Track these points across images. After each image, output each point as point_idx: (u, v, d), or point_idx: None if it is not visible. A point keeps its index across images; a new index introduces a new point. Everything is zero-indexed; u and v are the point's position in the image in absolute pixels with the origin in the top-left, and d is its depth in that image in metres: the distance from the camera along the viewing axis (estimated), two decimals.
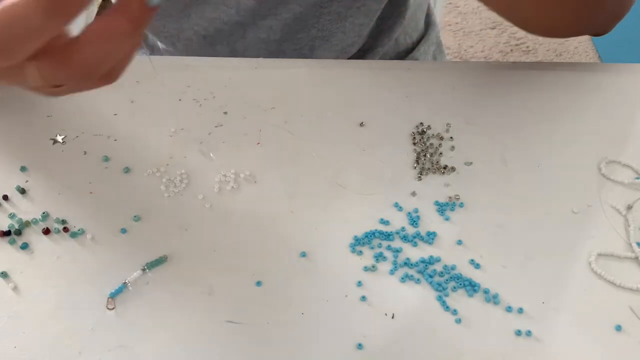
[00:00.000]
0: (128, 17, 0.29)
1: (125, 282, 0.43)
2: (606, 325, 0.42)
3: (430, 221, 0.47)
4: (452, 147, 0.52)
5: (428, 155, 0.51)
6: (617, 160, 0.51)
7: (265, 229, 0.46)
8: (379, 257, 0.45)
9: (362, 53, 0.69)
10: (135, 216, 0.47)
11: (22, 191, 0.48)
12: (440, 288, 0.44)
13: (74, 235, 0.46)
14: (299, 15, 0.61)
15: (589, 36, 1.93)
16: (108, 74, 0.33)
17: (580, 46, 1.80)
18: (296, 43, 0.64)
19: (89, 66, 0.30)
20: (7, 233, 0.46)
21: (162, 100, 0.54)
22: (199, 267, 0.44)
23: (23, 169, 0.49)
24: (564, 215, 0.48)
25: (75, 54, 0.30)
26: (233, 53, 0.65)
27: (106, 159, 0.50)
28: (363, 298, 0.43)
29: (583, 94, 0.55)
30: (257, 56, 0.65)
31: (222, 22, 0.62)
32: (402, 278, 0.44)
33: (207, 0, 0.61)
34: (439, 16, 0.92)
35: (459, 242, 0.46)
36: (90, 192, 0.48)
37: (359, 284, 0.44)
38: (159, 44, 0.69)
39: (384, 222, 0.47)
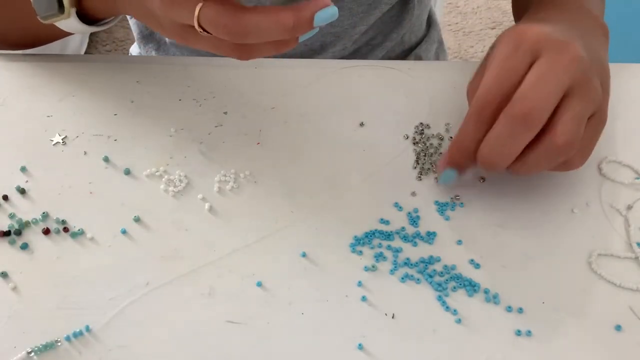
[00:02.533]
0: (295, 19, 0.36)
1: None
2: (606, 325, 0.42)
3: (430, 221, 0.47)
4: None
5: (428, 155, 0.51)
6: (617, 160, 0.51)
7: (265, 229, 0.46)
8: (379, 257, 0.45)
9: (371, 48, 0.70)
10: (135, 216, 0.47)
11: (22, 191, 0.48)
12: (440, 288, 0.44)
13: (74, 235, 0.46)
14: None
15: None
16: (247, 48, 0.39)
17: None
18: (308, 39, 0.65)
19: (242, 27, 0.36)
20: (7, 233, 0.46)
21: (162, 100, 0.54)
22: (199, 267, 0.44)
23: (23, 169, 0.49)
24: (564, 215, 0.48)
25: (238, 12, 0.36)
26: None
27: (106, 159, 0.50)
28: (363, 298, 0.43)
29: None
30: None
31: None
32: (402, 278, 0.44)
33: None
34: (439, 16, 0.93)
35: (459, 242, 0.46)
36: (90, 192, 0.48)
37: (359, 284, 0.44)
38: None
39: (384, 222, 0.47)
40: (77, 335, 0.41)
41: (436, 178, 0.49)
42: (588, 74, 0.42)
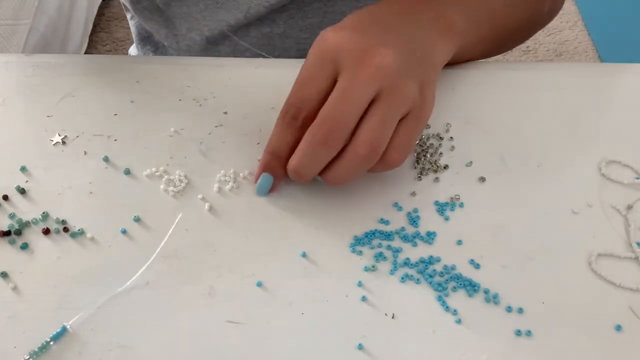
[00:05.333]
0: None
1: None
2: (606, 325, 0.42)
3: (430, 221, 0.47)
4: (452, 147, 0.52)
5: (428, 155, 0.51)
6: (617, 160, 0.51)
7: (265, 229, 0.46)
8: (379, 257, 0.45)
9: None
10: (135, 216, 0.47)
11: (22, 191, 0.48)
12: (440, 288, 0.44)
13: (74, 235, 0.46)
14: (302, 5, 0.62)
15: (589, 36, 1.92)
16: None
17: (580, 46, 1.80)
18: (300, 42, 0.65)
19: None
20: (7, 233, 0.46)
21: (162, 100, 0.54)
22: (199, 267, 0.44)
23: (23, 169, 0.49)
24: (564, 215, 0.48)
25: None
26: (235, 52, 0.65)
27: (106, 159, 0.50)
28: (363, 298, 0.43)
29: (583, 94, 0.55)
30: (260, 54, 0.65)
31: (229, 25, 0.63)
32: (402, 278, 0.44)
33: (223, 5, 0.61)
34: None
35: (459, 242, 0.46)
36: (90, 192, 0.48)
37: (359, 284, 0.44)
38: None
39: (384, 222, 0.47)
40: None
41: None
42: (396, 79, 0.41)
